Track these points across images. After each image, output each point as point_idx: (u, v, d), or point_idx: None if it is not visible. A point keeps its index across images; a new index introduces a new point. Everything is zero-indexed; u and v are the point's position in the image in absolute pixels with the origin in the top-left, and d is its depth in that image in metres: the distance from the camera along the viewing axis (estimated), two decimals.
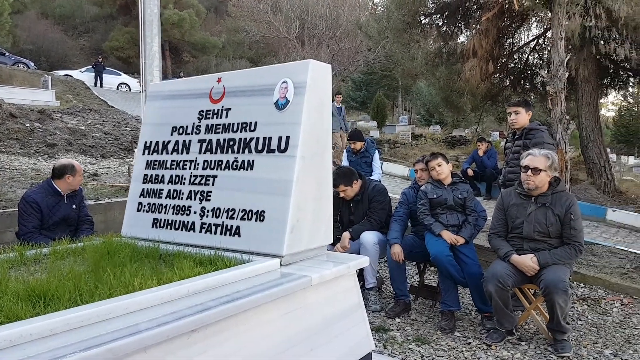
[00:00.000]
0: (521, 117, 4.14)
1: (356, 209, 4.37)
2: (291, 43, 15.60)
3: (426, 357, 3.26)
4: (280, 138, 1.94)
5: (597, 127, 10.41)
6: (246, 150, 2.04)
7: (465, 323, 3.87)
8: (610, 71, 11.19)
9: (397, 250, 3.96)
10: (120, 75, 27.23)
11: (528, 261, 3.35)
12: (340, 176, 4.26)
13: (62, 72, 25.47)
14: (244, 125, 2.08)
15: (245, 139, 2.06)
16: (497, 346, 3.42)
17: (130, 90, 25.64)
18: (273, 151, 1.95)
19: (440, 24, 10.11)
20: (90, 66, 26.07)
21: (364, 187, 4.35)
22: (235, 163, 2.07)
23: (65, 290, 1.43)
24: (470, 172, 9.65)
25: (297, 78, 1.94)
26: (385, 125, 21.65)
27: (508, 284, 3.34)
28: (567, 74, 4.22)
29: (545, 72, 4.16)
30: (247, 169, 2.02)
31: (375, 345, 3.40)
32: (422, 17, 9.97)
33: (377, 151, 6.79)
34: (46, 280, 1.49)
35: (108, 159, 9.74)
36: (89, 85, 23.02)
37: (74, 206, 4.17)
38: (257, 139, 2.02)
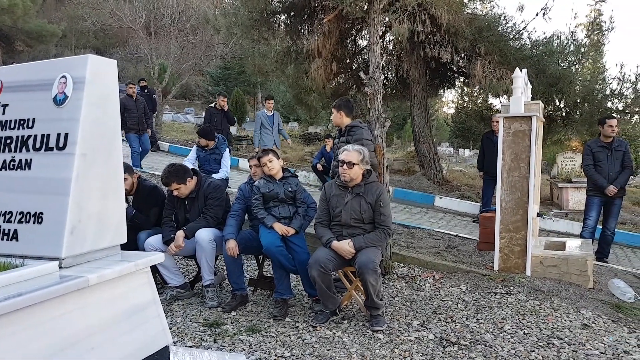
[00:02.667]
0: (334, 117, 4.58)
1: (192, 206, 4.34)
2: (137, 34, 14.78)
3: (254, 345, 3.38)
4: (59, 135, 1.86)
5: (427, 123, 11.70)
6: (24, 149, 1.93)
7: (297, 309, 4.10)
8: (440, 72, 12.60)
9: (231, 245, 4.03)
10: None
11: (345, 246, 3.67)
12: (172, 174, 4.20)
13: None
14: (22, 122, 1.96)
15: (22, 136, 1.94)
16: (321, 327, 3.68)
17: None
18: (51, 149, 1.86)
19: (288, 23, 10.44)
20: None
21: (199, 184, 4.34)
22: (12, 162, 1.94)
23: None
24: (319, 166, 10.16)
25: (76, 73, 1.88)
26: (246, 122, 21.69)
27: (329, 268, 3.63)
28: (382, 77, 4.68)
29: (364, 74, 4.57)
30: (24, 169, 1.90)
31: (205, 340, 3.44)
32: (269, 15, 10.18)
33: (227, 149, 6.79)
34: None
35: None
36: None
37: None
38: (35, 136, 1.91)
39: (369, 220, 3.76)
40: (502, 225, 5.05)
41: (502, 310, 4.09)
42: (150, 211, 4.43)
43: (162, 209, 4.41)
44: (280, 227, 4.03)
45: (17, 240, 1.84)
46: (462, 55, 10.64)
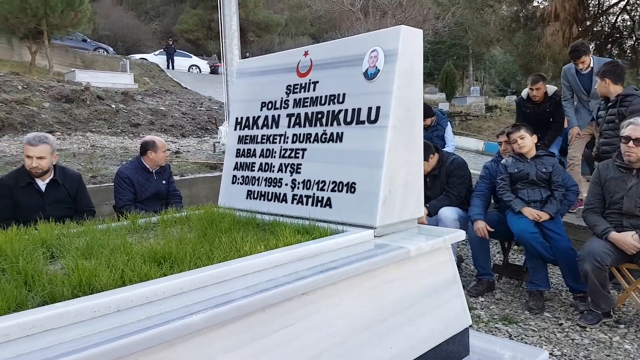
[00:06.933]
0: (598, 86, 4.00)
1: (433, 184, 4.24)
2: (355, 15, 15.27)
3: (515, 336, 3.14)
4: (370, 108, 1.90)
5: None
6: (335, 123, 2.03)
7: (555, 303, 3.68)
8: None
9: (481, 226, 3.79)
10: (190, 57, 28.09)
11: (629, 239, 3.10)
12: None
13: (137, 56, 26.66)
14: (332, 97, 2.06)
15: (333, 111, 2.04)
16: (592, 328, 3.22)
17: (200, 72, 26.45)
18: (363, 122, 1.92)
19: None
20: (162, 49, 27.07)
21: (441, 161, 4.21)
22: (324, 136, 2.07)
23: (186, 254, 1.53)
24: None
25: (388, 46, 1.88)
26: (455, 97, 20.82)
27: (606, 263, 3.12)
28: None
29: None
30: (336, 142, 2.01)
31: None
32: None
33: (448, 123, 6.52)
34: (166, 244, 1.59)
35: (187, 137, 10.17)
36: (162, 67, 23.98)
37: (163, 181, 4.38)
38: (346, 110, 1.99)
39: None
40: None
41: None
42: None
43: None
44: (530, 212, 3.61)
45: (330, 207, 1.97)
46: None
